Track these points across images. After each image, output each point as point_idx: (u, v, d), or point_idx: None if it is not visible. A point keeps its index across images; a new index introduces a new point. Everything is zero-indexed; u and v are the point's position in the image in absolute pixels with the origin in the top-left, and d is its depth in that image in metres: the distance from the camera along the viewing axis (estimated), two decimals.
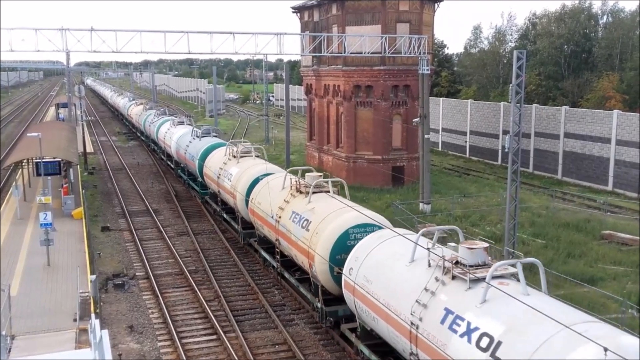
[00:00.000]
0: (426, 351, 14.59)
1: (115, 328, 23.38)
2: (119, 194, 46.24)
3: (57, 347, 19.29)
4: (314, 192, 23.94)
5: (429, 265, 15.64)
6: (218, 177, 35.03)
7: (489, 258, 15.27)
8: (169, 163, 54.88)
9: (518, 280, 14.06)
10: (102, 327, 16.20)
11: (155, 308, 25.50)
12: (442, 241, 17.35)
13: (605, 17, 79.49)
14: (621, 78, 67.45)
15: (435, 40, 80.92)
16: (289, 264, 25.80)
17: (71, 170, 40.73)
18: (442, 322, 14.15)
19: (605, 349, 10.31)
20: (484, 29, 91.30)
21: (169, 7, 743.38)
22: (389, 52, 42.20)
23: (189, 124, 52.01)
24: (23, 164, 43.56)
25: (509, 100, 26.84)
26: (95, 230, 36.52)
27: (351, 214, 20.95)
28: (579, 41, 75.28)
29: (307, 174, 25.59)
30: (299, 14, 56.19)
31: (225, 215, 35.89)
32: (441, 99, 73.61)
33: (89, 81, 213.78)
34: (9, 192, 41.30)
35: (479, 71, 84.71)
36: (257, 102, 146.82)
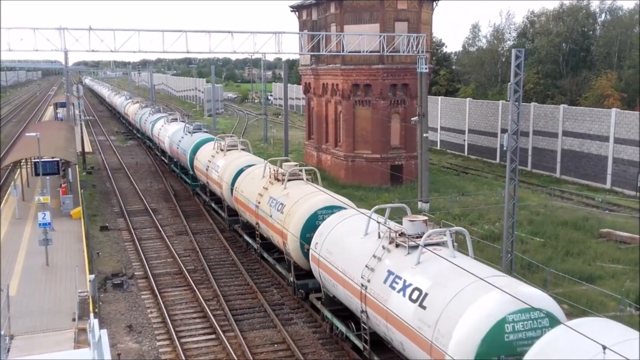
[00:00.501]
0: (372, 307, 17.29)
1: (114, 328, 23.38)
2: (118, 194, 46.23)
3: (56, 347, 19.30)
4: (289, 180, 26.49)
5: (379, 237, 18.16)
6: (207, 169, 37.45)
7: (428, 229, 17.49)
8: (163, 158, 57.39)
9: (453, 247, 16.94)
10: (101, 327, 16.20)
11: (154, 307, 25.50)
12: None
13: (603, 15, 79.62)
14: (619, 76, 67.54)
15: (434, 39, 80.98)
16: (268, 246, 28.30)
17: (70, 169, 40.70)
18: (385, 281, 16.80)
19: (604, 347, 10.30)
20: (482, 28, 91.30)
21: (167, 6, 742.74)
22: (387, 51, 42.21)
23: (182, 121, 54.00)
24: (21, 163, 43.54)
25: (508, 99, 26.85)
26: (94, 230, 36.50)
27: (320, 197, 23.82)
28: (577, 39, 75.34)
29: (284, 164, 28.36)
30: (297, 13, 56.18)
31: (213, 205, 38.36)
32: (440, 97, 73.66)
33: (87, 80, 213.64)
34: (8, 192, 41.27)
35: (477, 70, 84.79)
36: (256, 101, 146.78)
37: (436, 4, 49.58)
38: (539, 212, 39.17)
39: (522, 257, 28.97)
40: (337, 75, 48.94)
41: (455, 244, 17.04)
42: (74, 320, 21.46)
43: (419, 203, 40.42)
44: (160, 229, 36.68)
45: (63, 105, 75.34)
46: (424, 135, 40.52)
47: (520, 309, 13.49)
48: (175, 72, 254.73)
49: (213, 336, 22.79)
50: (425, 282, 15.57)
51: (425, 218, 18.14)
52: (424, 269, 15.98)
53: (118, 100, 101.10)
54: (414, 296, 15.50)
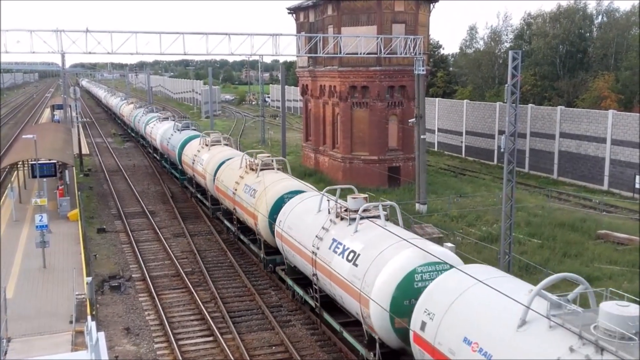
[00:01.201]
0: (321, 270, 20.96)
1: (111, 330, 23.33)
2: (115, 196, 46.17)
3: (53, 350, 19.23)
4: (262, 169, 29.95)
5: (329, 213, 21.83)
6: (193, 163, 41.02)
7: (372, 205, 21.00)
8: (155, 155, 60.40)
9: (387, 219, 20.62)
10: (98, 329, 16.15)
11: (151, 310, 25.45)
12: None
13: (600, 17, 79.78)
14: (616, 78, 67.67)
15: (431, 41, 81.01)
16: (245, 229, 31.70)
17: (67, 172, 40.60)
18: (330, 247, 20.42)
19: (602, 349, 10.26)
20: (479, 30, 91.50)
21: (164, 6, 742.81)
22: (384, 53, 42.24)
23: (172, 120, 56.56)
24: (18, 165, 43.43)
25: (505, 101, 26.88)
26: (91, 232, 36.44)
27: (286, 182, 27.62)
28: (574, 41, 75.48)
29: (258, 155, 31.80)
30: (294, 15, 56.18)
31: (199, 196, 41.71)
32: (437, 99, 73.73)
33: (84, 82, 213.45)
34: (5, 194, 41.16)
35: (474, 71, 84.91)
36: (253, 103, 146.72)
37: (433, 6, 49.65)
38: (537, 214, 39.20)
39: (520, 258, 28.99)
40: (334, 77, 48.95)
41: (387, 215, 20.67)
42: (71, 322, 21.39)
43: (417, 204, 40.42)
44: (158, 231, 36.62)
45: (60, 107, 75.23)
46: (422, 136, 40.53)
47: (427, 262, 16.90)
48: (172, 74, 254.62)
49: (211, 338, 22.75)
50: (359, 245, 19.10)
51: (365, 196, 21.87)
52: (359, 236, 19.60)
53: (114, 101, 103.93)
54: (350, 257, 19.11)
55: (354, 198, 21.51)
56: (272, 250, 27.54)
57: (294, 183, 27.42)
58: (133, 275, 29.46)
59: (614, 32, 72.87)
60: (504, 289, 13.27)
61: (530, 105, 58.48)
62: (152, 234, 36.63)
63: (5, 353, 18.93)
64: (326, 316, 21.87)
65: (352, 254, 19.02)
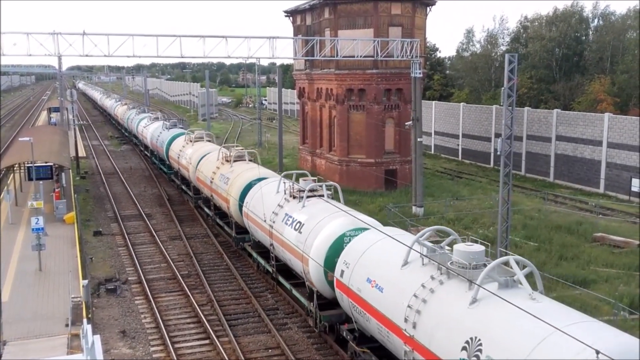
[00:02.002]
0: (276, 239, 25.12)
1: (107, 333, 23.27)
2: (111, 198, 46.10)
3: (49, 353, 19.19)
4: (235, 160, 34.13)
5: (285, 193, 25.77)
6: (178, 157, 44.79)
7: (318, 185, 25.24)
8: (146, 153, 64.18)
9: (330, 197, 24.82)
10: (94, 332, 16.12)
11: (147, 313, 25.40)
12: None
13: (596, 20, 79.92)
14: (612, 81, 67.80)
15: (428, 44, 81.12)
16: (221, 215, 35.59)
17: (63, 174, 40.54)
18: (283, 220, 24.61)
19: (597, 352, 10.32)
20: (476, 33, 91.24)
21: (161, 10, 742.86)
22: (381, 56, 42.30)
23: (162, 120, 60.68)
24: (15, 168, 43.36)
25: (501, 104, 26.94)
26: (88, 235, 36.37)
27: (254, 171, 31.66)
28: (570, 44, 75.64)
29: (233, 149, 35.67)
30: (291, 18, 56.24)
31: (184, 187, 45.55)
32: (433, 102, 73.83)
33: (81, 85, 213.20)
34: (1, 197, 41.09)
35: (471, 74, 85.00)
36: (250, 105, 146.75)
37: (430, 9, 49.75)
38: (533, 217, 39.26)
39: None
40: (331, 79, 49.00)
41: (331, 193, 25.06)
42: (67, 325, 21.36)
43: (413, 207, 40.44)
44: (154, 233, 36.58)
45: (57, 109, 75.11)
46: (418, 139, 40.58)
47: (355, 227, 20.82)
48: (169, 76, 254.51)
49: (207, 341, 22.71)
50: (304, 217, 23.20)
51: (314, 179, 26.49)
52: (306, 210, 23.65)
53: (109, 102, 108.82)
54: (297, 227, 23.25)
55: (305, 180, 26.04)
56: (242, 230, 31.38)
57: (261, 171, 31.74)
58: (129, 278, 29.40)
59: (610, 36, 73.04)
60: (400, 242, 16.97)
61: (526, 108, 58.61)
62: (148, 236, 36.57)
63: (1, 356, 18.88)
64: (281, 279, 25.87)
65: (298, 224, 23.19)
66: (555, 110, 55.46)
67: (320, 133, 53.37)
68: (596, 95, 65.55)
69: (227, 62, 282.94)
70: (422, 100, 50.01)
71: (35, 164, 36.63)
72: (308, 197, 24.28)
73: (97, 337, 13.85)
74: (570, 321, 12.28)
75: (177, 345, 22.24)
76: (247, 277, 29.28)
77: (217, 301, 26.07)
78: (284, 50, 47.35)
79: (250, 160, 34.63)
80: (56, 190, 38.81)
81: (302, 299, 23.38)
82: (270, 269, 27.01)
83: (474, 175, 56.73)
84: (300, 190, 25.05)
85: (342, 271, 19.23)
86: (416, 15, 47.36)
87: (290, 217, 24.07)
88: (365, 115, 47.62)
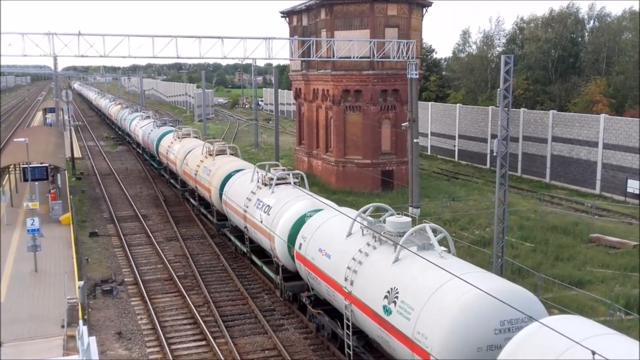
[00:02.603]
0: (249, 222, 28.21)
1: (103, 334, 23.21)
2: (107, 199, 46.00)
3: (45, 354, 19.14)
4: (217, 154, 37.54)
5: (258, 182, 28.82)
6: (167, 153, 47.83)
7: (286, 174, 28.15)
8: (138, 150, 67.14)
9: (296, 184, 27.98)
10: (90, 334, 16.09)
11: (144, 314, 25.34)
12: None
13: (592, 21, 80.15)
14: (608, 82, 68.00)
15: (424, 45, 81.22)
16: (206, 205, 38.49)
17: (59, 175, 40.43)
18: (255, 205, 27.75)
19: (593, 353, 10.37)
20: (472, 34, 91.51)
21: (157, 10, 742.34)
22: (377, 57, 42.32)
23: (153, 119, 63.75)
24: (10, 169, 43.24)
25: (497, 105, 26.96)
26: (83, 236, 36.28)
27: (234, 163, 34.83)
28: (566, 46, 75.84)
29: (214, 143, 39.20)
30: (287, 19, 56.24)
31: (172, 181, 48.41)
32: (430, 103, 73.92)
33: (76, 85, 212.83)
34: None
35: (467, 75, 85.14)
36: (246, 106, 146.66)
37: (426, 10, 49.82)
38: (529, 217, 39.33)
39: (513, 262, 29.06)
40: (327, 80, 49.01)
41: (298, 181, 28.18)
42: (62, 327, 21.30)
43: (410, 208, 40.45)
44: (150, 234, 36.51)
45: (52, 110, 74.90)
46: (415, 140, 40.60)
47: (315, 208, 24.02)
48: (165, 77, 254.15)
49: (203, 342, 22.67)
50: (272, 201, 26.39)
51: (284, 168, 29.61)
52: (274, 195, 26.78)
53: (103, 102, 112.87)
54: (265, 210, 26.46)
55: (275, 169, 29.34)
56: (222, 217, 34.24)
57: (240, 163, 34.90)
58: (125, 279, 29.33)
59: (606, 37, 73.23)
60: (348, 218, 20.10)
61: (522, 109, 58.71)
62: (144, 237, 36.50)
63: None
64: (254, 257, 29.18)
65: (267, 207, 26.47)
66: (551, 111, 55.58)
67: (316, 134, 53.37)
68: (592, 96, 65.73)
69: (224, 62, 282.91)
70: (419, 101, 50.05)
71: (30, 165, 36.53)
72: (277, 184, 27.56)
73: (93, 339, 13.83)
74: (465, 271, 15.45)
75: (173, 347, 22.19)
76: (243, 278, 29.25)
77: (214, 302, 26.03)
78: (280, 51, 47.30)
79: (231, 154, 38.12)
80: (52, 191, 38.71)
81: (271, 273, 26.93)
82: (245, 250, 30.37)
83: (470, 176, 56.80)
84: (270, 179, 27.96)
85: (300, 244, 22.26)
86: (412, 17, 47.42)
87: (261, 201, 27.30)
88: (362, 116, 47.64)
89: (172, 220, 39.90)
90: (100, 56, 35.44)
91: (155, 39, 35.90)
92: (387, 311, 16.16)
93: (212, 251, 33.70)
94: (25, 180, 37.49)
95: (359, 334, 19.01)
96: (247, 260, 31.04)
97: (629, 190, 45.65)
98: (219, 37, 37.06)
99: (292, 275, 24.70)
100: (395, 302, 15.92)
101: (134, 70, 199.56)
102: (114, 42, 35.22)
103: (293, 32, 54.90)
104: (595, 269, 29.71)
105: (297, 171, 29.32)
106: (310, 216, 23.29)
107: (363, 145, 47.99)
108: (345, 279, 18.53)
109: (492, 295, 13.45)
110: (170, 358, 21.23)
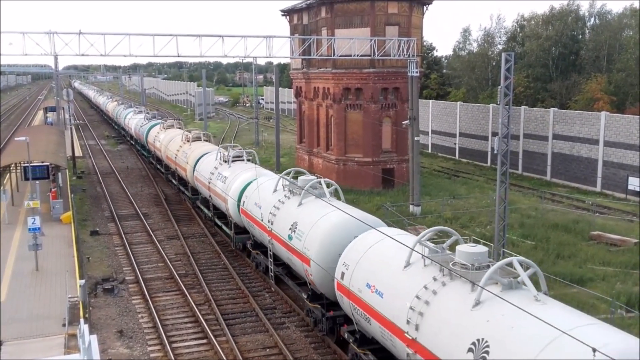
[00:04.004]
0: (212, 192, 34.73)
1: (104, 333, 23.24)
2: (108, 198, 46.02)
3: (46, 353, 19.15)
4: (193, 141, 43.92)
5: (220, 159, 35.30)
6: (154, 141, 54.60)
7: (240, 152, 34.98)
8: (131, 141, 73.91)
9: (248, 160, 35.11)
10: (91, 332, 16.10)
11: (145, 312, 25.36)
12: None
13: (592, 19, 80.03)
14: (609, 79, 67.90)
15: (424, 43, 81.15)
16: (184, 184, 44.68)
17: (60, 174, 40.45)
18: (216, 177, 34.08)
19: (594, 350, 10.30)
20: (473, 32, 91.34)
21: (158, 9, 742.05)
22: (378, 55, 42.29)
23: (144, 113, 70.30)
24: (11, 168, 43.25)
25: (498, 102, 26.96)
26: (84, 235, 36.31)
27: (206, 147, 40.98)
28: (566, 43, 75.74)
29: (193, 131, 46.41)
30: (288, 17, 56.19)
31: (159, 166, 54.71)
32: (430, 101, 73.86)
33: (77, 84, 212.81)
34: None
35: (468, 73, 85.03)
36: (247, 105, 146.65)
37: (426, 8, 49.74)
38: (530, 215, 39.31)
39: None
40: (328, 79, 48.97)
41: (251, 158, 34.98)
42: (64, 325, 21.31)
43: (411, 206, 40.45)
44: (151, 233, 36.53)
45: (53, 109, 74.85)
46: (415, 138, 40.59)
47: (257, 176, 29.07)
48: (166, 76, 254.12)
49: (205, 341, 22.69)
50: (229, 173, 32.76)
51: (241, 148, 36.43)
52: (230, 169, 33.11)
53: (101, 99, 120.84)
54: (223, 180, 33.01)
55: (232, 148, 36.04)
56: (195, 192, 40.96)
57: (210, 147, 40.99)
58: (126, 278, 29.36)
59: (606, 34, 73.11)
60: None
61: (523, 107, 58.66)
62: (145, 236, 36.52)
63: None
64: (216, 220, 35.70)
65: (224, 178, 32.85)
66: (552, 109, 55.53)
67: (317, 132, 53.34)
68: (593, 94, 65.63)
69: (224, 61, 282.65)
70: (419, 99, 50.01)
71: (31, 164, 36.52)
72: (233, 160, 34.38)
73: (94, 337, 13.81)
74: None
75: (174, 345, 22.22)
76: (244, 277, 29.26)
77: (215, 300, 26.05)
78: (280, 49, 47.36)
79: (205, 141, 44.74)
80: (53, 190, 38.71)
81: (226, 229, 33.81)
82: (209, 214, 37.10)
83: (471, 174, 56.77)
84: (229, 156, 34.64)
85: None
86: (413, 14, 47.36)
87: (221, 174, 33.80)
88: (362, 115, 47.61)
89: (173, 218, 39.92)
90: (101, 55, 35.47)
91: (156, 38, 35.93)
92: None
93: (213, 249, 33.72)
94: (26, 179, 37.48)
95: None
96: (248, 260, 31.22)
97: (630, 187, 45.61)
98: (219, 36, 37.07)
99: (241, 230, 31.29)
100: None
101: (134, 69, 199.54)
102: (115, 41, 35.19)
103: (294, 30, 54.86)
104: (596, 266, 29.69)
105: (250, 150, 36.40)
106: (252, 182, 29.04)
107: (364, 143, 47.97)
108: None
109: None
110: (172, 356, 21.25)
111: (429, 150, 70.19)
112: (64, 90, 63.58)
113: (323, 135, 52.01)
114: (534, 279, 14.26)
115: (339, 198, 24.28)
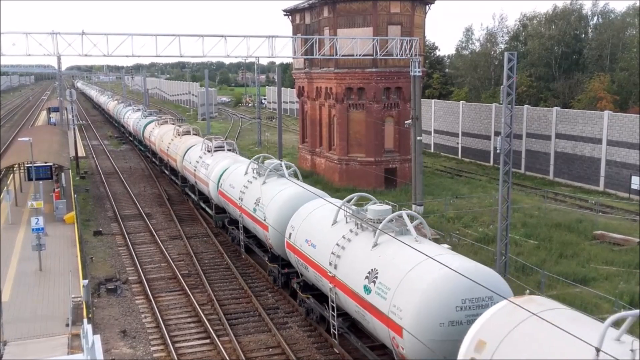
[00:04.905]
0: (197, 178, 38.83)
1: (107, 333, 23.28)
2: (111, 198, 46.09)
3: (50, 353, 19.20)
4: (182, 134, 47.95)
5: (204, 150, 39.50)
6: (150, 136, 58.94)
7: (222, 143, 39.28)
8: (130, 138, 78.04)
9: (230, 151, 39.17)
10: (94, 332, 16.14)
11: (148, 312, 25.40)
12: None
13: (595, 18, 79.91)
14: (612, 78, 67.79)
15: (427, 42, 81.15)
16: (175, 173, 48.85)
17: (63, 174, 40.54)
18: (202, 166, 37.81)
19: (597, 350, 10.37)
20: (475, 31, 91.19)
21: (160, 9, 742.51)
22: (380, 55, 42.28)
23: (141, 110, 74.55)
24: (14, 168, 43.35)
25: (501, 102, 26.93)
26: (88, 235, 36.36)
27: (193, 140, 44.70)
28: (569, 42, 75.63)
29: (182, 125, 51.29)
30: (290, 17, 56.21)
31: (153, 159, 58.86)
32: (433, 100, 73.80)
33: (80, 84, 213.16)
34: (0, 197, 41.08)
35: (470, 73, 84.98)
36: (250, 105, 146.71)
37: (429, 8, 49.71)
38: (533, 215, 39.26)
39: (516, 259, 29.04)
40: (330, 78, 48.98)
41: (232, 149, 39.07)
42: (67, 325, 21.36)
43: (413, 206, 40.42)
44: (154, 233, 36.58)
45: (56, 109, 75.12)
46: (418, 138, 40.53)
47: (236, 163, 34.00)
48: (168, 76, 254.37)
49: (207, 341, 22.71)
50: (211, 161, 36.59)
51: (222, 138, 41.59)
52: (212, 158, 37.14)
53: (103, 99, 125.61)
54: (206, 167, 36.83)
55: (215, 139, 40.28)
56: (185, 180, 44.75)
57: (197, 140, 44.20)
58: (129, 278, 29.40)
59: (609, 33, 72.98)
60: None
61: (526, 106, 58.59)
62: (148, 236, 36.57)
63: (1, 357, 18.89)
64: (202, 204, 39.67)
65: (207, 165, 36.76)
66: (555, 108, 55.46)
67: (319, 132, 53.36)
68: (596, 93, 65.53)
69: (227, 61, 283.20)
70: (422, 99, 50.00)
71: (34, 164, 36.61)
72: (215, 150, 38.34)
73: (98, 337, 13.86)
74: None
75: (177, 345, 22.25)
76: (247, 277, 29.29)
77: (218, 300, 26.08)
78: (283, 49, 47.58)
79: (194, 134, 48.36)
80: (56, 190, 38.80)
81: (209, 210, 37.73)
82: (195, 198, 41.21)
83: (474, 173, 56.73)
84: (212, 147, 38.62)
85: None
86: (415, 14, 47.34)
87: (205, 162, 37.57)
88: (365, 114, 47.61)
89: (176, 218, 39.96)
90: (104, 55, 35.50)
91: (159, 38, 35.94)
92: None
93: (215, 249, 33.75)
94: (30, 179, 37.57)
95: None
96: (248, 259, 31.25)
97: (633, 186, 45.53)
98: (222, 36, 37.09)
99: (221, 210, 35.03)
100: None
101: (137, 69, 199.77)
102: (118, 41, 35.24)
103: (296, 30, 54.89)
104: (599, 266, 29.65)
105: (230, 141, 41.15)
106: (233, 168, 32.97)
107: (366, 143, 47.97)
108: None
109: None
110: (175, 356, 21.28)
111: (432, 150, 70.14)
112: (67, 91, 63.58)
113: (325, 135, 52.02)
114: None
115: (297, 178, 28.78)
